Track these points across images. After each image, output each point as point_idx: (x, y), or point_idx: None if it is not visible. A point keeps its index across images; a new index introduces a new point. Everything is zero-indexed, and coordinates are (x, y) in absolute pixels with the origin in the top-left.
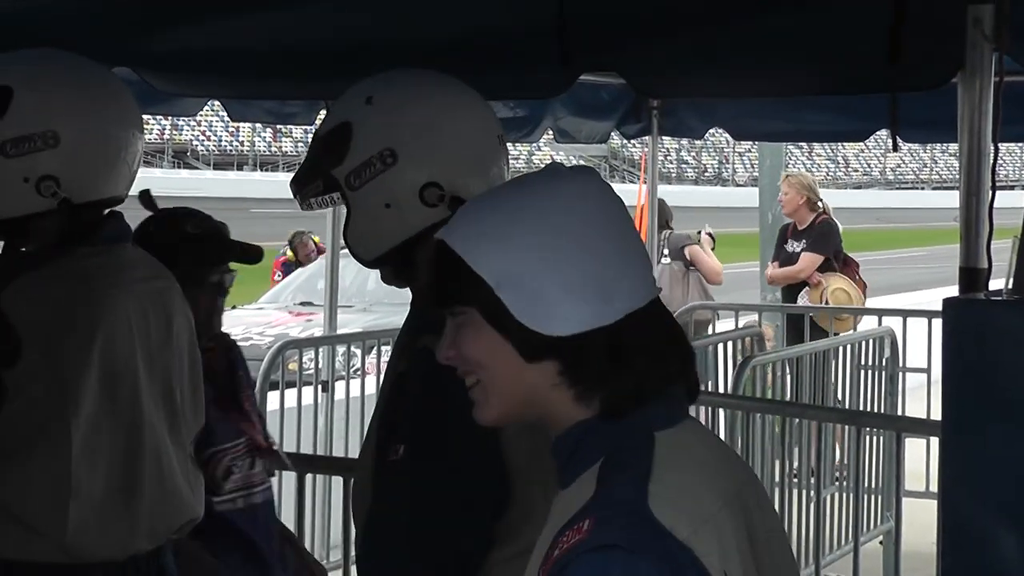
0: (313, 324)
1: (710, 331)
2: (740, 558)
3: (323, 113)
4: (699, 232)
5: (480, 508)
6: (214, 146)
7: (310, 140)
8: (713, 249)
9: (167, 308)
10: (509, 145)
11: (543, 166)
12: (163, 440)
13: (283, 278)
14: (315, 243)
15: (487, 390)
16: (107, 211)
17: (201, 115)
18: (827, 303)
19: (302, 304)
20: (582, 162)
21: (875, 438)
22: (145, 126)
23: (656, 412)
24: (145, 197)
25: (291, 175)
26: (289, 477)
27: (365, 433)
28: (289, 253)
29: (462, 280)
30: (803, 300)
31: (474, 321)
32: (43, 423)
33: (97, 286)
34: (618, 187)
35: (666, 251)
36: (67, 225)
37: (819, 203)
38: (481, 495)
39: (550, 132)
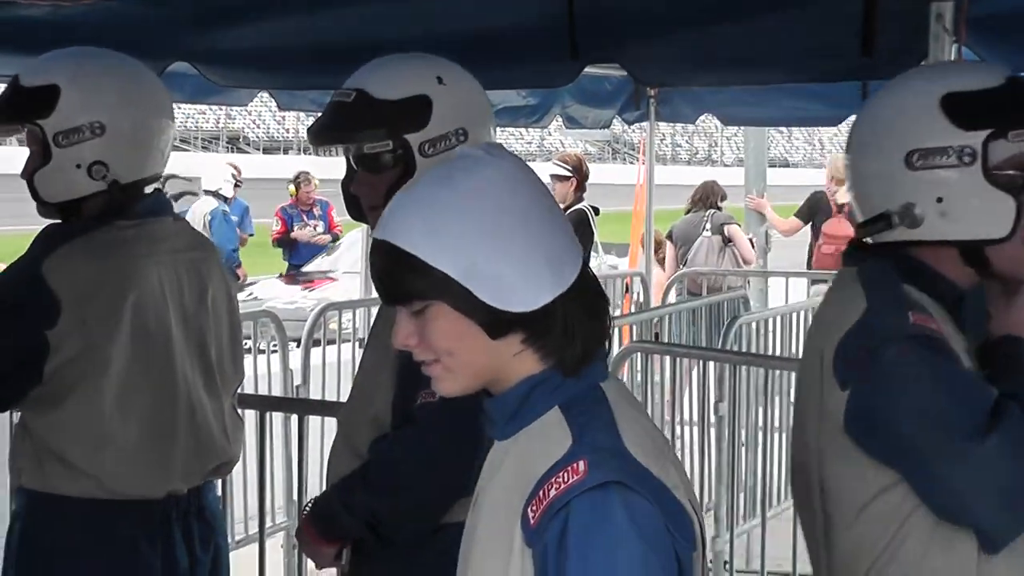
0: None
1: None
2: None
3: None
4: None
5: None
6: (263, 133)
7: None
8: None
9: (201, 275)
10: (520, 130)
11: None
12: (197, 392)
13: (281, 221)
14: (315, 186)
15: (451, 369)
16: (148, 188)
17: (251, 105)
18: None
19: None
20: (588, 146)
21: None
22: (202, 115)
23: (598, 366)
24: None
25: (328, 159)
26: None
27: (357, 385)
28: (291, 189)
29: (420, 276)
30: None
31: (440, 311)
32: (78, 378)
33: (130, 254)
34: (619, 167)
35: (708, 225)
36: (113, 202)
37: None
38: None
39: (559, 118)
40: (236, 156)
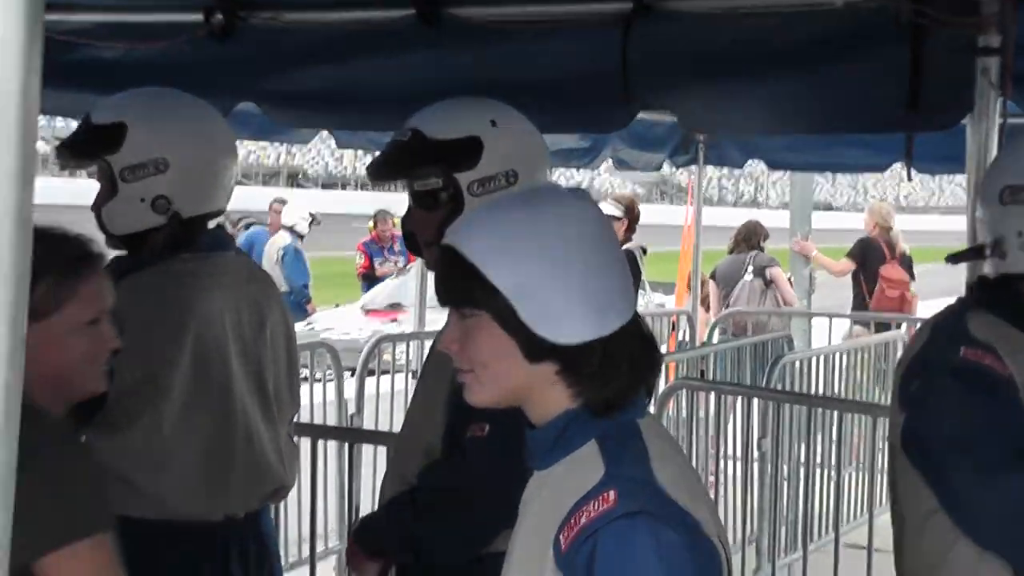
0: (399, 323)
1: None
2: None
3: None
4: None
5: None
6: (322, 169)
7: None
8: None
9: (261, 307)
10: (572, 171)
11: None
12: (255, 420)
13: (365, 256)
14: (393, 223)
15: (483, 380)
16: (211, 223)
17: (311, 143)
18: None
19: (390, 307)
20: (637, 187)
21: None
22: (264, 151)
23: (636, 405)
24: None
25: (385, 194)
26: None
27: (410, 416)
28: (370, 224)
29: (477, 286)
30: None
31: (485, 323)
32: (140, 404)
33: (192, 286)
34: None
35: (751, 268)
36: (176, 235)
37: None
38: None
39: (610, 160)
40: (295, 191)
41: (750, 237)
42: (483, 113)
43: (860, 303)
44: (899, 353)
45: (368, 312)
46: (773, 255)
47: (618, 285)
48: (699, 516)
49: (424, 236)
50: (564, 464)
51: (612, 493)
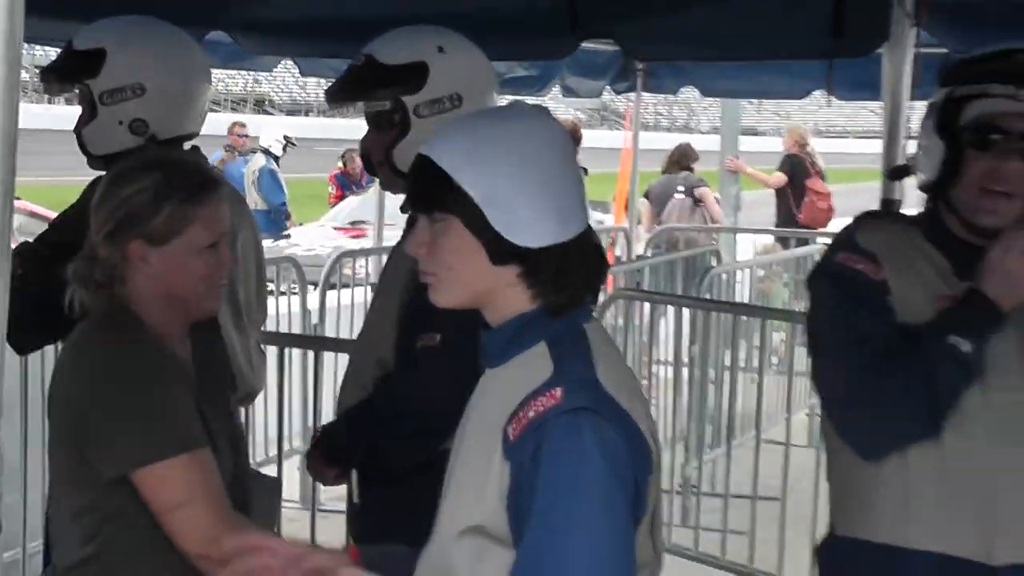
0: (363, 238)
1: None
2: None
3: None
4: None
5: None
6: (287, 97)
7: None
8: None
9: (233, 223)
10: (518, 100)
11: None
12: (227, 328)
13: (336, 187)
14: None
15: (448, 282)
16: (185, 145)
17: (276, 71)
18: None
19: (352, 223)
20: (580, 113)
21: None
22: (232, 79)
23: (583, 310)
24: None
25: (346, 120)
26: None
27: (365, 327)
28: (340, 165)
29: (448, 192)
30: None
31: (454, 227)
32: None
33: None
34: (607, 133)
35: (681, 188)
36: None
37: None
38: None
39: (557, 88)
40: (262, 117)
41: (681, 159)
42: (432, 39)
43: (787, 216)
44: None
45: (335, 229)
46: (703, 176)
47: (576, 195)
48: (635, 414)
49: (376, 156)
50: (515, 362)
51: (560, 390)
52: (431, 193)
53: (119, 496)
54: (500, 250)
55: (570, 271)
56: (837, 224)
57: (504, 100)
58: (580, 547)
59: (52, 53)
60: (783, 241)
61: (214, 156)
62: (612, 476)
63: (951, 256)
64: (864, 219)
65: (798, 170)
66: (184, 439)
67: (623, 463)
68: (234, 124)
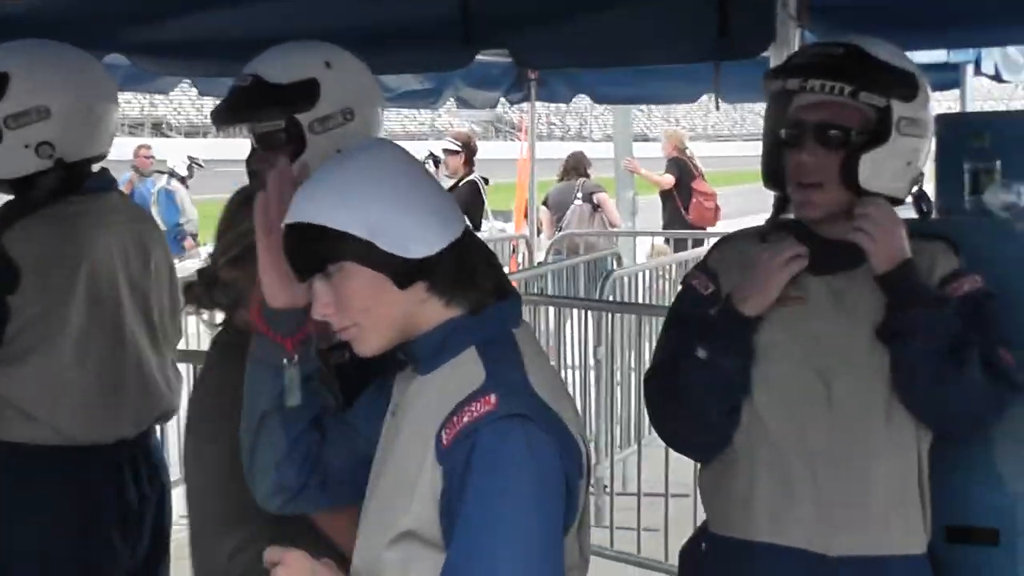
0: None
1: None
2: (580, 428)
3: None
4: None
5: None
6: (184, 119)
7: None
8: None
9: (145, 244)
10: (414, 112)
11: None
12: (144, 348)
13: None
14: None
15: (367, 326)
16: (94, 167)
17: (173, 94)
18: None
19: None
20: (474, 126)
21: None
22: (129, 104)
23: (510, 313)
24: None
25: (245, 140)
26: None
27: None
28: None
29: (331, 242)
30: None
31: (350, 271)
32: (38, 338)
33: (82, 226)
34: (501, 144)
35: (579, 194)
36: (62, 179)
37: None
38: None
39: (452, 101)
40: (161, 140)
41: (577, 166)
42: (318, 55)
43: (676, 217)
44: None
45: None
46: (598, 182)
47: (444, 198)
48: (566, 417)
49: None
50: (446, 369)
51: (494, 396)
52: (315, 252)
53: (289, 528)
54: (402, 272)
55: (470, 266)
56: (724, 224)
57: (399, 114)
58: (509, 551)
59: None
60: (676, 242)
61: (122, 178)
62: (544, 481)
63: (812, 251)
64: (721, 241)
65: (684, 172)
66: None
67: (555, 468)
68: (139, 147)
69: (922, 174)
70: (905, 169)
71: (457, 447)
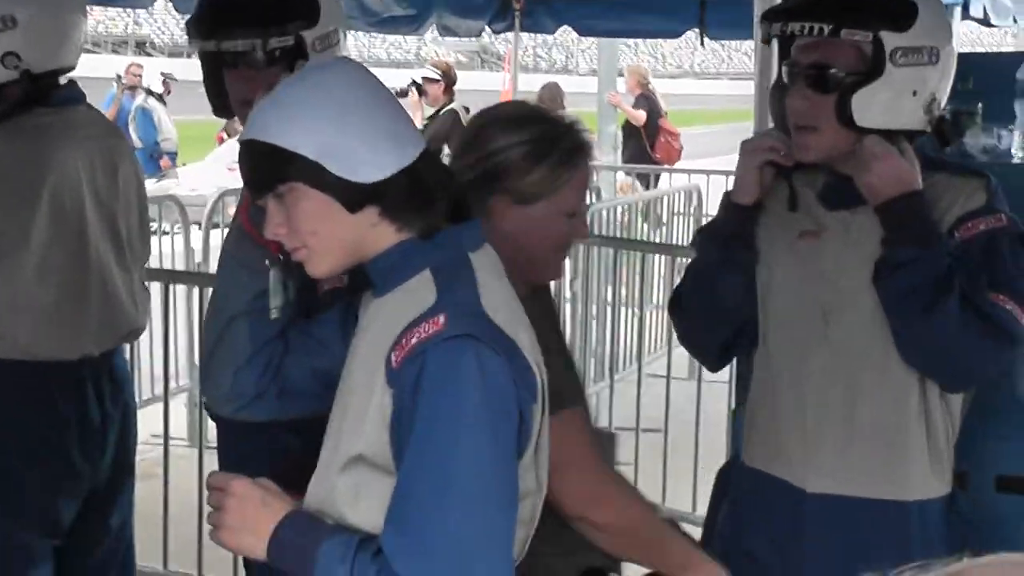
0: None
1: None
2: (537, 355)
3: None
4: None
5: None
6: (168, 39)
7: None
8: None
9: (113, 158)
10: (400, 38)
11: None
12: (109, 265)
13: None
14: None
15: (317, 250)
16: (63, 79)
17: (157, 13)
18: None
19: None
20: (460, 56)
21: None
22: (112, 20)
23: (468, 236)
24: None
25: None
26: None
27: None
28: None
29: (282, 162)
30: None
31: (301, 192)
32: (2, 250)
33: (47, 138)
34: (487, 75)
35: None
36: (28, 91)
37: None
38: None
39: (435, 28)
40: (144, 59)
41: (554, 98)
42: None
43: (640, 154)
44: (695, 201)
45: (229, 170)
46: (582, 116)
47: (403, 119)
48: (520, 341)
49: (256, 95)
50: (399, 291)
51: (442, 317)
52: (266, 171)
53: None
54: (352, 196)
55: (424, 191)
56: (716, 163)
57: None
58: (461, 473)
59: None
60: (641, 178)
61: (108, 94)
62: (493, 403)
63: (829, 186)
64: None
65: (653, 108)
66: (556, 397)
67: (508, 391)
68: (131, 64)
69: (937, 101)
70: (912, 99)
71: (406, 369)
